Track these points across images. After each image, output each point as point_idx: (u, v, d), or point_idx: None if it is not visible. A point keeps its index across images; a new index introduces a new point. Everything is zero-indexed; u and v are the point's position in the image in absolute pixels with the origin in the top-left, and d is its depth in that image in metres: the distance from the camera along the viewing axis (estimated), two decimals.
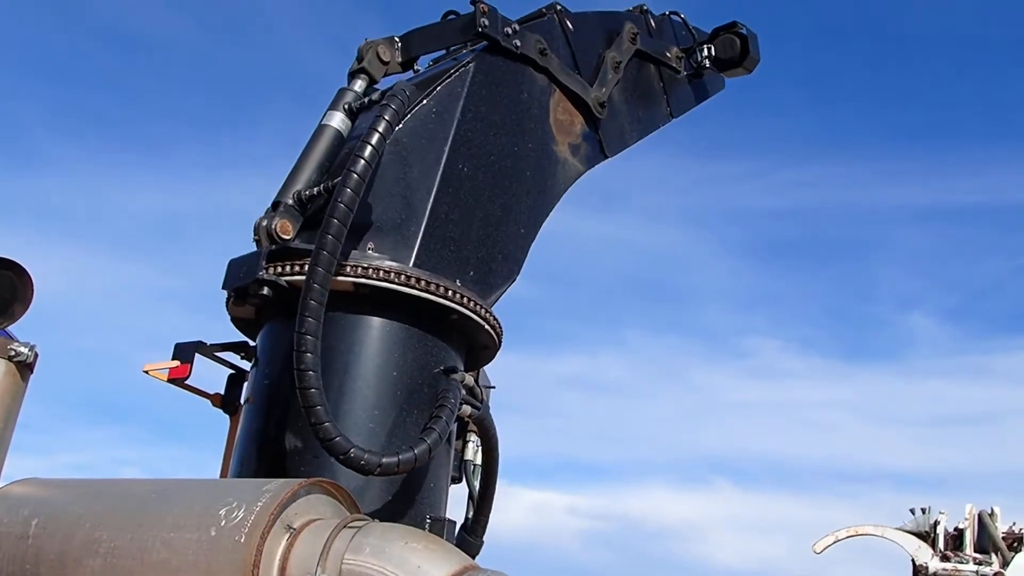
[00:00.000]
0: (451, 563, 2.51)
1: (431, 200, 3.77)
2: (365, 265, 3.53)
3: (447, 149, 3.86)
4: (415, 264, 3.65)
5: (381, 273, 3.53)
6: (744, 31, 5.43)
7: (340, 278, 3.43)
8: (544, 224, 4.36)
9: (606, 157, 4.75)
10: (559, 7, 4.54)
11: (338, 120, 3.94)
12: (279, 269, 3.60)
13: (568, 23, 4.57)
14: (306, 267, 3.46)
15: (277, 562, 2.58)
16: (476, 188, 3.96)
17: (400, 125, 3.87)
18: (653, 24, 5.18)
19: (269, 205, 3.78)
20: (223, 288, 3.77)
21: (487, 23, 4.06)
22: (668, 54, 5.22)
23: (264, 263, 3.58)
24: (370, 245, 3.65)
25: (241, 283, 3.63)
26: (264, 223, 3.65)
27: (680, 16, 5.45)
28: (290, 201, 3.71)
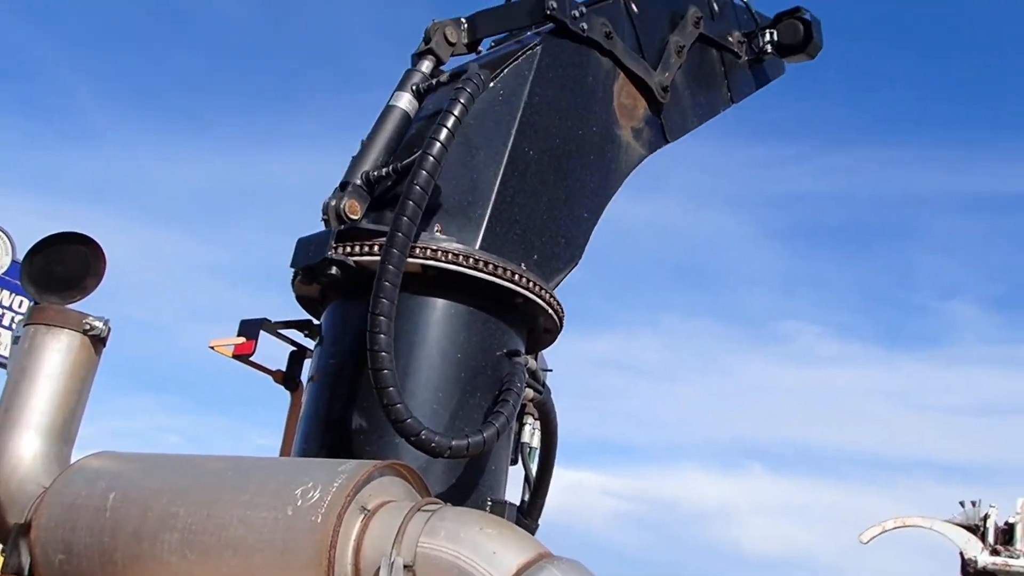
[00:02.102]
0: (526, 550, 2.51)
1: (498, 183, 3.78)
2: (434, 247, 3.54)
3: (514, 131, 3.87)
4: (481, 247, 3.66)
5: (449, 256, 3.54)
6: (808, 16, 5.32)
7: (409, 260, 3.44)
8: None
9: (667, 142, 4.72)
10: None
11: (405, 101, 3.93)
12: (348, 249, 3.61)
13: (633, 6, 4.53)
14: (375, 248, 3.49)
15: (352, 543, 2.60)
16: (541, 171, 3.97)
17: None
18: (716, 8, 5.10)
19: (337, 185, 3.80)
20: (291, 266, 3.79)
21: (555, 5, 4.03)
22: (730, 38, 5.16)
23: (333, 243, 3.61)
24: (437, 227, 3.67)
25: (310, 262, 3.64)
26: (333, 203, 3.67)
27: (743, 0, 5.37)
28: (358, 181, 3.72)
